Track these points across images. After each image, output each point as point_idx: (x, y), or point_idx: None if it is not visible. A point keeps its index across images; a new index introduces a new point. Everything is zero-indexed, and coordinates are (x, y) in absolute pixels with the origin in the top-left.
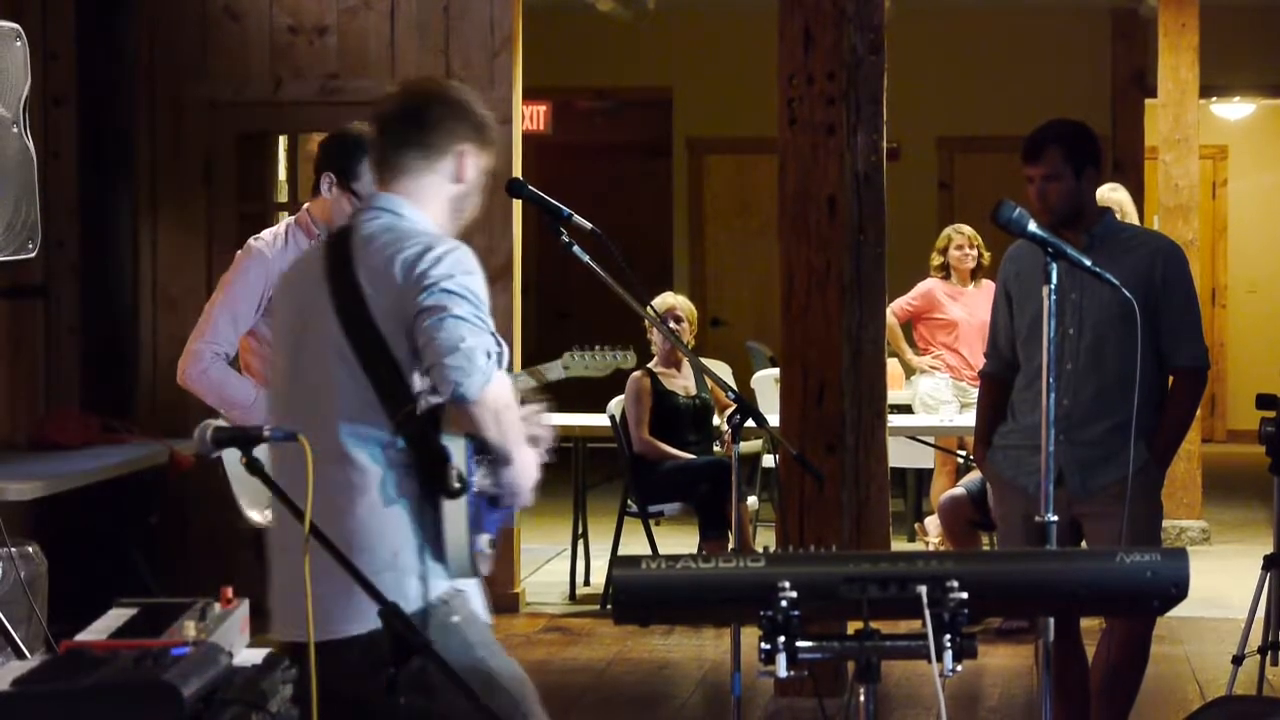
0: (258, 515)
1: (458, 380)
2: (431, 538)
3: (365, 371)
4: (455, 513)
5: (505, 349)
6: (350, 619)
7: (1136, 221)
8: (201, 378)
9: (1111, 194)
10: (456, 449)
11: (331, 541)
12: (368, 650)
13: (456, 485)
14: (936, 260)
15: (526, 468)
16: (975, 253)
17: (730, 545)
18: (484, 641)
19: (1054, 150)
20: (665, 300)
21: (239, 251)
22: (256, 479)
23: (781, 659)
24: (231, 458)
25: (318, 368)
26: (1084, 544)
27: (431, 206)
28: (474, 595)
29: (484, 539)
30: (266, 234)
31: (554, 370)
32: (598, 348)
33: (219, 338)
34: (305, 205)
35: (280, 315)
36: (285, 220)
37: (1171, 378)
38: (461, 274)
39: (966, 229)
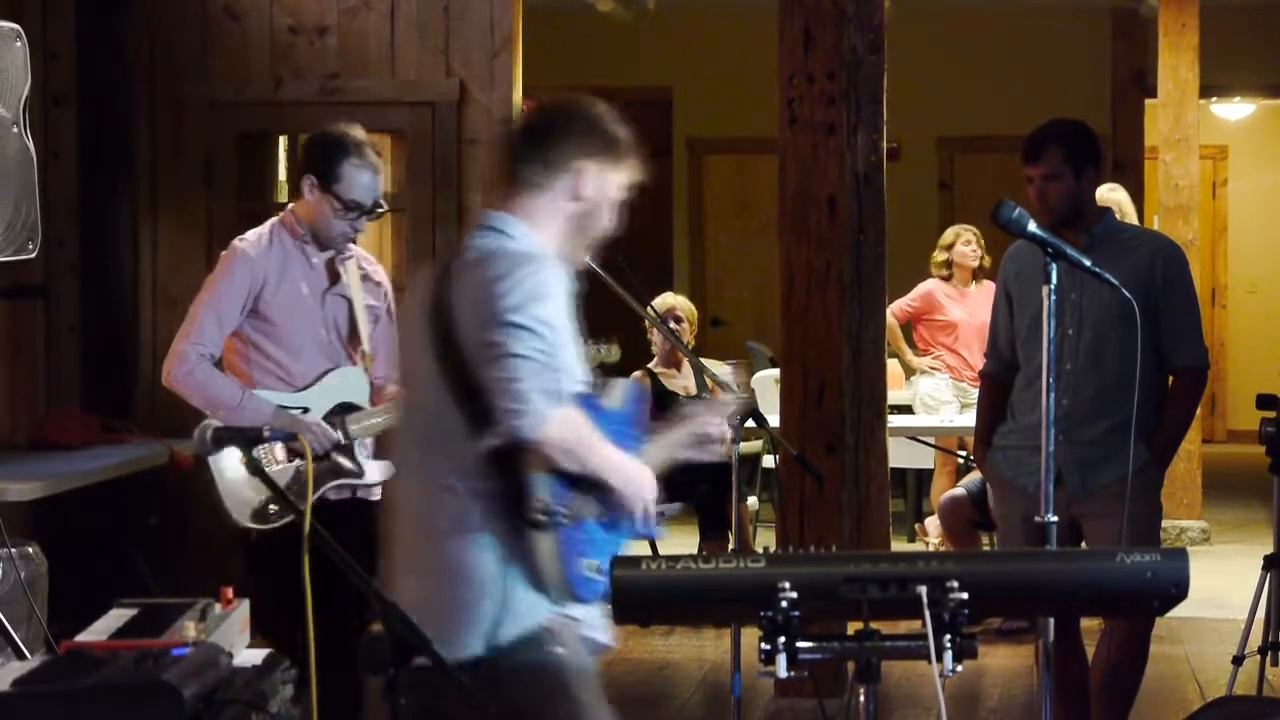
0: (244, 519)
1: (513, 423)
2: (527, 566)
3: (454, 399)
4: (546, 542)
5: (573, 380)
6: (453, 645)
7: (1136, 221)
8: (187, 379)
9: (1110, 194)
10: (540, 480)
11: (335, 546)
12: (471, 677)
13: (540, 517)
14: (940, 257)
15: (628, 488)
16: (980, 251)
17: (730, 545)
18: (581, 678)
19: (1054, 150)
20: (665, 300)
21: (224, 252)
22: (239, 484)
23: (781, 659)
24: (218, 462)
25: (423, 395)
26: (1084, 544)
27: (549, 226)
28: (591, 623)
29: (585, 564)
30: (251, 234)
31: None
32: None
33: (204, 339)
34: (290, 206)
35: (401, 342)
36: (270, 221)
37: (1171, 377)
38: (533, 303)
39: (973, 228)
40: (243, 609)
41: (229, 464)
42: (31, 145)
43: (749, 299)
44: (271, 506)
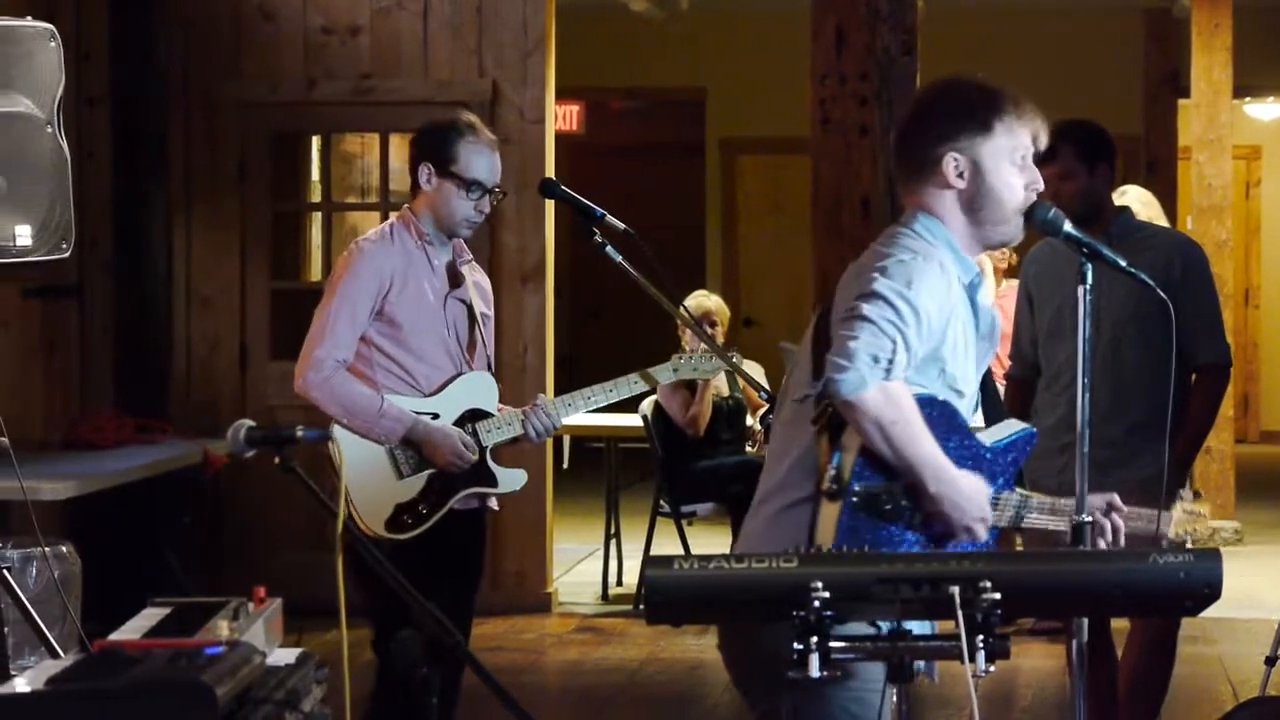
0: (378, 528)
1: (832, 375)
2: (808, 539)
3: (812, 363)
4: (827, 517)
5: (903, 358)
6: None
7: (1165, 223)
8: (324, 386)
9: (1120, 198)
10: (849, 454)
11: (372, 549)
12: None
13: (830, 486)
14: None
15: (949, 501)
16: (1007, 251)
17: None
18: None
19: (1066, 149)
20: (700, 303)
21: (344, 253)
22: (375, 487)
23: (814, 659)
24: (352, 459)
25: (798, 369)
26: None
27: (948, 218)
28: None
29: None
30: (372, 234)
31: (664, 373)
32: (703, 350)
33: (339, 343)
34: (406, 206)
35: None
36: (388, 221)
37: (1195, 375)
38: (900, 280)
39: None
40: (276, 608)
41: (358, 465)
42: (65, 145)
43: (782, 299)
44: (406, 517)
